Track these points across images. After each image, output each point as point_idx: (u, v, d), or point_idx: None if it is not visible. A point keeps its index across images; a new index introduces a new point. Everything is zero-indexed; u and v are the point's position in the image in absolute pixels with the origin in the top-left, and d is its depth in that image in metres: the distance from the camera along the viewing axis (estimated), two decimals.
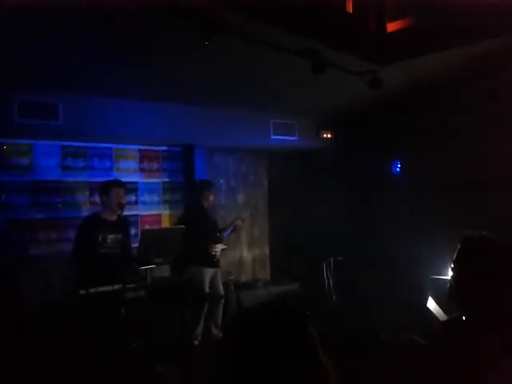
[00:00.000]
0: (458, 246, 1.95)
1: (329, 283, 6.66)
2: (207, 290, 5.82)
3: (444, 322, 2.28)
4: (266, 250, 8.32)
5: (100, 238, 4.76)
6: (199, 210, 5.99)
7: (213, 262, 5.91)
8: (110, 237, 4.83)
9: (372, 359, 4.04)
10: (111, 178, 5.45)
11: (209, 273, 5.86)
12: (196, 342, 5.72)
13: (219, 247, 5.94)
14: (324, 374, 1.09)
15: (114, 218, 4.89)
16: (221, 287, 6.08)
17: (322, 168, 7.71)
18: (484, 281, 1.80)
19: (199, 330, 5.74)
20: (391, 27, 4.42)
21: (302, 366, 1.07)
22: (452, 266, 1.95)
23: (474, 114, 5.79)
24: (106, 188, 4.92)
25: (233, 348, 1.13)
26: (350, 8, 4.45)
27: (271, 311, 1.17)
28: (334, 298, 6.62)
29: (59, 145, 6.04)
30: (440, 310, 4.45)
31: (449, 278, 4.37)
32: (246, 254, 7.98)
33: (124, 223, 5.09)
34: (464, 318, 1.83)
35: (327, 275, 6.69)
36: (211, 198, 6.07)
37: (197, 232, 5.68)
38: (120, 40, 4.25)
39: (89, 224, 4.85)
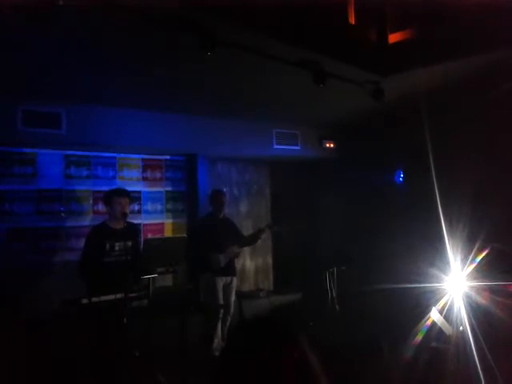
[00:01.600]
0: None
1: (331, 293, 6.62)
2: (221, 298, 5.75)
3: None
4: (269, 260, 8.31)
5: (107, 247, 4.75)
6: (212, 219, 5.96)
7: (226, 270, 5.83)
8: (118, 245, 4.82)
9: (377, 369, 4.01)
10: (114, 187, 5.45)
11: (221, 281, 5.79)
12: (217, 353, 5.55)
13: (222, 257, 5.84)
14: None
15: (120, 226, 4.89)
16: (232, 297, 5.92)
17: (325, 177, 7.71)
18: None
19: (217, 340, 5.62)
20: (393, 38, 4.45)
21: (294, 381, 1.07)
22: None
23: (474, 124, 5.80)
24: (108, 197, 4.92)
25: (228, 359, 1.13)
26: (352, 20, 4.49)
27: (263, 329, 1.17)
28: (337, 308, 6.59)
29: (63, 154, 6.06)
30: (444, 321, 4.42)
31: (451, 288, 4.35)
32: (249, 264, 7.96)
33: (133, 230, 5.09)
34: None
35: (330, 285, 6.66)
36: (223, 206, 6.00)
37: (207, 241, 5.66)
38: (123, 50, 4.29)
39: (96, 233, 4.86)
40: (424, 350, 4.11)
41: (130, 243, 4.86)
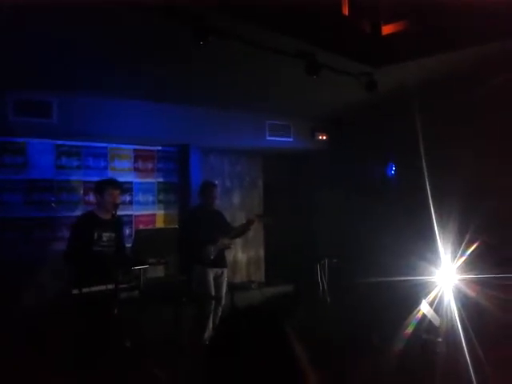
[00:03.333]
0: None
1: (323, 285, 6.65)
2: (212, 290, 5.75)
3: None
4: (261, 252, 8.32)
5: (95, 236, 4.71)
6: (202, 211, 5.93)
7: (217, 262, 5.83)
8: (105, 235, 4.78)
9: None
10: (107, 178, 5.42)
11: (212, 272, 5.78)
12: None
13: (212, 249, 5.80)
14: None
15: (108, 216, 4.86)
16: (223, 289, 5.90)
17: (317, 170, 7.71)
18: None
19: (208, 331, 5.60)
20: (386, 30, 4.44)
21: (280, 375, 1.07)
22: None
23: (467, 117, 5.82)
24: (100, 187, 4.88)
25: (213, 352, 1.13)
26: (345, 10, 4.47)
27: (251, 319, 1.17)
28: (328, 300, 6.62)
29: (54, 143, 6.02)
30: (434, 313, 4.46)
31: (442, 281, 4.38)
32: (241, 256, 7.97)
33: (118, 222, 5.06)
34: None
35: (321, 277, 6.68)
36: (215, 199, 5.97)
37: (198, 233, 5.64)
38: (116, 39, 4.24)
39: (84, 222, 4.80)
40: (414, 342, 4.15)
41: (114, 234, 4.85)
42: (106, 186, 4.85)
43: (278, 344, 1.11)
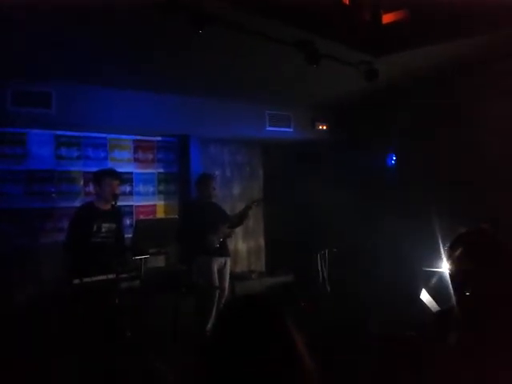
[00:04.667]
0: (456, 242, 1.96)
1: (322, 275, 6.67)
2: (216, 280, 5.75)
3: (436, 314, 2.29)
4: (261, 242, 8.33)
5: (95, 227, 4.73)
6: (200, 202, 5.93)
7: (220, 251, 5.82)
8: (105, 226, 4.80)
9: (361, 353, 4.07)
10: (105, 168, 5.42)
11: (216, 263, 5.79)
12: None
13: (215, 238, 5.80)
14: (304, 376, 1.09)
15: (107, 207, 4.86)
16: (226, 279, 5.93)
17: (318, 160, 7.70)
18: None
19: (211, 323, 5.58)
20: (387, 18, 4.41)
21: (279, 363, 1.07)
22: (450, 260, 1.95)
23: (468, 106, 5.80)
24: (98, 178, 4.88)
25: (213, 342, 1.13)
26: None
27: (251, 308, 1.17)
28: (328, 289, 6.64)
29: (53, 134, 6.01)
30: (433, 302, 4.46)
31: (442, 270, 4.39)
32: (241, 245, 7.98)
33: (118, 213, 5.07)
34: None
35: (321, 267, 6.70)
36: (213, 189, 5.96)
37: (199, 223, 5.65)
38: (115, 29, 4.21)
39: (83, 213, 4.82)
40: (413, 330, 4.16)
41: (114, 225, 4.85)
42: (105, 176, 4.86)
43: (277, 332, 1.11)
